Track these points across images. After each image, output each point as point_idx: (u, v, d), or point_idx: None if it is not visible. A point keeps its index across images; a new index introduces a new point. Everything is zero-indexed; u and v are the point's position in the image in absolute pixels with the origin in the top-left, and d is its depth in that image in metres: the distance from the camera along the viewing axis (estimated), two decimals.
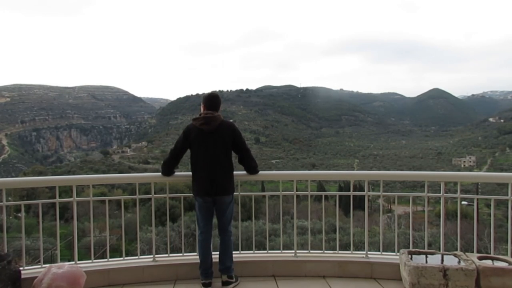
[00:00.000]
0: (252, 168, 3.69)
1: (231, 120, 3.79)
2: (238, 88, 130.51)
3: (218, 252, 3.65)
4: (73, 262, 3.70)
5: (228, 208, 3.59)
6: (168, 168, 3.67)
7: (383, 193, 4.00)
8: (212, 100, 3.60)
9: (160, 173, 3.75)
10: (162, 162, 3.76)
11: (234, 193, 3.77)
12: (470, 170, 57.24)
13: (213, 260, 3.62)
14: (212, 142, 3.46)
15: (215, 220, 3.69)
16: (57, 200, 3.68)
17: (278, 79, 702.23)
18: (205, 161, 3.47)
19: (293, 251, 3.96)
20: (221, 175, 3.47)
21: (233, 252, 3.82)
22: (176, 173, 3.77)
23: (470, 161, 68.57)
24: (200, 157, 3.49)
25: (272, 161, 76.04)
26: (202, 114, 3.55)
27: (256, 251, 4.03)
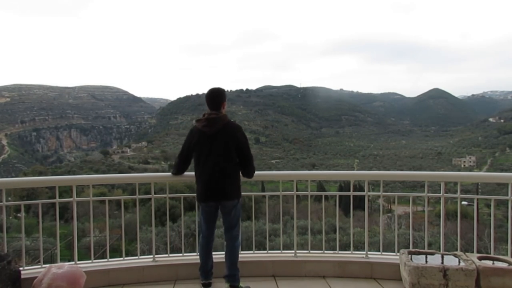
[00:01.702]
0: (247, 174, 3.50)
1: (231, 120, 3.67)
2: (238, 88, 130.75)
3: (218, 253, 3.65)
4: (73, 262, 3.70)
5: (231, 212, 3.43)
6: (177, 171, 3.62)
7: (383, 193, 4.00)
8: (211, 97, 3.38)
9: (159, 173, 3.77)
10: (174, 165, 3.68)
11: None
12: (470, 170, 57.26)
13: (214, 261, 3.61)
14: (214, 145, 3.29)
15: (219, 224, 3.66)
16: (57, 200, 3.68)
17: (278, 79, 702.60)
18: (206, 165, 3.31)
19: (293, 251, 3.96)
20: (223, 180, 3.31)
21: None
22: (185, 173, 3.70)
23: (470, 161, 68.59)
24: (201, 161, 3.33)
25: (272, 161, 76.06)
26: (205, 115, 3.35)
27: (256, 251, 4.03)
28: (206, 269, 3.51)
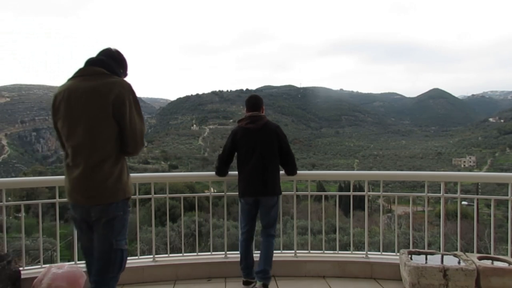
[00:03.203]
0: (291, 172, 3.60)
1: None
2: (238, 88, 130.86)
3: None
4: (73, 262, 3.70)
5: (271, 211, 3.47)
6: (220, 173, 3.63)
7: (383, 193, 4.00)
8: (254, 100, 3.56)
9: (159, 173, 3.76)
10: (215, 167, 3.68)
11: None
12: (470, 170, 57.24)
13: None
14: (259, 140, 3.39)
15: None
16: (57, 200, 3.68)
17: (278, 79, 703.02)
18: (250, 161, 3.38)
19: (293, 251, 3.96)
20: (267, 174, 3.38)
21: (233, 252, 3.83)
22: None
23: (470, 161, 68.56)
24: (247, 156, 3.40)
25: None
26: (247, 115, 3.50)
27: (256, 251, 4.03)
28: (246, 265, 3.46)
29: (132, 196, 3.89)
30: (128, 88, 2.24)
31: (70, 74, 2.30)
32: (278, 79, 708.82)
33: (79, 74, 2.26)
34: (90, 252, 2.32)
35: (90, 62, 2.29)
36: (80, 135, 2.17)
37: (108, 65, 2.30)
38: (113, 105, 2.16)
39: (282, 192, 3.90)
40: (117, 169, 2.24)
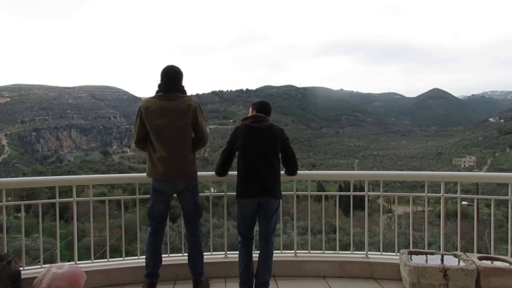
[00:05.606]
0: (292, 172, 3.56)
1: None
2: (238, 88, 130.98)
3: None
4: (73, 262, 3.70)
5: (274, 215, 3.33)
6: (222, 173, 3.52)
7: (383, 193, 4.00)
8: (262, 105, 3.53)
9: None
10: (215, 167, 3.56)
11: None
12: (470, 170, 57.22)
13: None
14: (263, 140, 3.30)
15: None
16: (57, 200, 3.68)
17: (278, 80, 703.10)
18: (253, 160, 3.25)
19: (293, 251, 3.96)
20: (270, 175, 3.26)
21: (233, 252, 3.82)
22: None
23: (470, 161, 68.55)
24: (249, 155, 3.27)
25: None
26: (252, 114, 3.46)
27: (256, 251, 4.02)
28: (248, 275, 3.29)
29: (132, 196, 3.93)
30: (197, 103, 3.36)
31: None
32: (278, 79, 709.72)
33: (165, 96, 3.26)
34: (162, 215, 3.48)
35: (170, 89, 3.27)
36: (173, 136, 3.24)
37: (180, 87, 3.34)
38: (192, 116, 3.26)
39: (282, 192, 3.92)
40: (193, 157, 3.41)
